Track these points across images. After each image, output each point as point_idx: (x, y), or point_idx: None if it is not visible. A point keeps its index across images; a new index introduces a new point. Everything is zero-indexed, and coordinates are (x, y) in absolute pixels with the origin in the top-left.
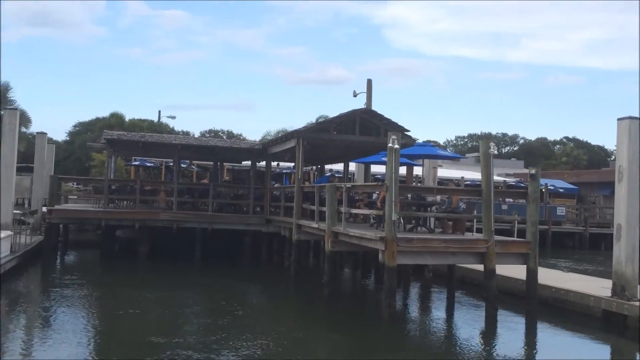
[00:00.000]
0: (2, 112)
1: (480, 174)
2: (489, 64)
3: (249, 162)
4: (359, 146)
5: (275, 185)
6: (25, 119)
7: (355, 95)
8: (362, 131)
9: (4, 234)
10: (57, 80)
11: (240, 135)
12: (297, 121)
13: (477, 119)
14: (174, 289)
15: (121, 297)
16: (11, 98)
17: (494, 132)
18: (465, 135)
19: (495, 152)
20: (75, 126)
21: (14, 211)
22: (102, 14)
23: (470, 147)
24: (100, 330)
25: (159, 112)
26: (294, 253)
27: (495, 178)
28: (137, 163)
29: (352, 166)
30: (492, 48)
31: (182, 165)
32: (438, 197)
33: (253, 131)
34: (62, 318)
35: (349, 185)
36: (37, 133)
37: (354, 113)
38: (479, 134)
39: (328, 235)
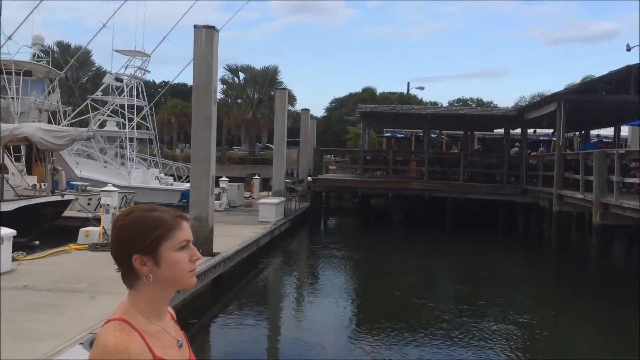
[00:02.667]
0: (273, 92)
1: None
2: None
3: (501, 130)
4: (634, 107)
5: (532, 154)
6: (291, 98)
7: (628, 50)
8: None
9: (278, 200)
10: (315, 60)
11: (491, 102)
12: (554, 86)
13: None
14: (427, 256)
15: (377, 260)
16: (280, 79)
17: None
18: None
19: None
20: (331, 102)
21: (285, 180)
22: None
23: None
24: (360, 288)
25: (408, 84)
26: (555, 225)
27: None
28: (388, 134)
29: (625, 131)
30: None
31: (431, 135)
32: None
33: (504, 99)
34: (327, 274)
35: (622, 151)
36: (302, 110)
37: (628, 69)
38: None
39: (596, 207)
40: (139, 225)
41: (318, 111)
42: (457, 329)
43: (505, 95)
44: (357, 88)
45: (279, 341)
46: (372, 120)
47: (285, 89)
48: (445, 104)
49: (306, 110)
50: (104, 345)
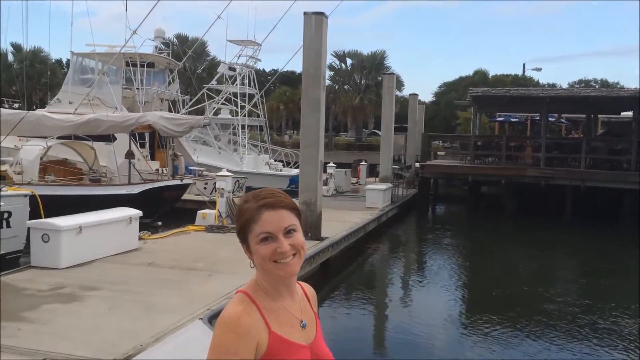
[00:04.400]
0: (380, 78)
1: None
2: None
3: (629, 113)
4: None
5: None
6: (399, 83)
7: None
8: None
9: (385, 186)
10: (424, 44)
11: (617, 83)
12: None
13: None
14: (542, 247)
15: (488, 250)
16: (387, 64)
17: None
18: None
19: None
20: (440, 87)
21: (392, 166)
22: None
23: None
24: (470, 278)
25: (524, 65)
26: None
27: None
28: (501, 119)
29: None
30: None
31: (549, 119)
32: None
33: (634, 78)
34: (435, 263)
35: None
36: (410, 95)
37: None
38: None
39: None
40: (235, 216)
41: (426, 96)
42: (581, 327)
43: (634, 74)
44: (468, 71)
45: (385, 328)
46: (484, 104)
47: (393, 74)
48: (564, 86)
49: (414, 95)
50: (222, 315)
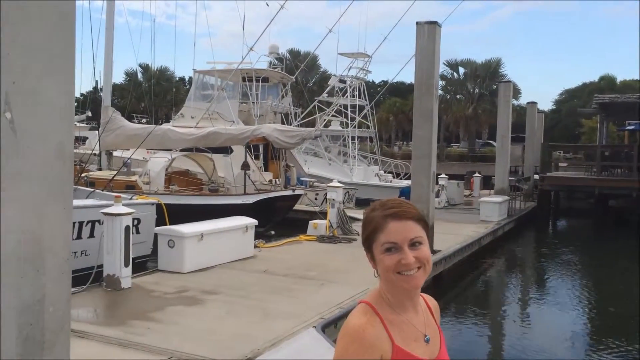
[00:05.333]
0: (495, 86)
1: None
2: None
3: None
4: None
5: None
6: (515, 91)
7: None
8: None
9: (501, 198)
10: (543, 50)
11: None
12: None
13: None
14: None
15: (614, 268)
16: (502, 72)
17: None
18: None
19: None
20: (561, 94)
21: (509, 178)
22: None
23: None
24: (593, 298)
25: None
26: None
27: None
28: (631, 127)
29: None
30: None
31: None
32: None
33: None
34: (556, 281)
35: None
36: (528, 103)
37: None
38: None
39: None
40: (362, 224)
41: (545, 104)
42: None
43: None
44: (593, 77)
45: (500, 347)
46: (611, 111)
47: (509, 81)
48: None
49: (532, 103)
50: (346, 325)
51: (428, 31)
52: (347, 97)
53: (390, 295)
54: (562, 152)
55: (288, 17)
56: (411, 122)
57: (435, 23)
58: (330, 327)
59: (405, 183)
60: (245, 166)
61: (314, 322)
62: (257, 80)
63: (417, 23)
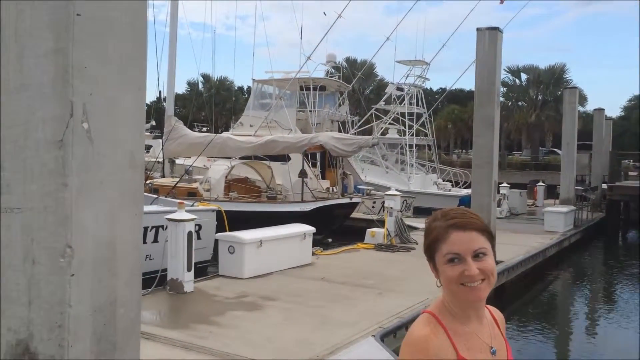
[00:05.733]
0: (559, 92)
1: None
2: None
3: None
4: None
5: None
6: (581, 97)
7: None
8: None
9: (567, 208)
10: (610, 54)
11: None
12: None
13: None
14: None
15: None
16: (567, 78)
17: None
18: None
19: None
20: (630, 100)
21: (575, 187)
22: None
23: None
24: None
25: None
26: None
27: None
28: None
29: None
30: None
31: None
32: None
33: None
34: (624, 296)
35: None
36: (595, 109)
37: None
38: None
39: None
40: (424, 233)
41: (614, 111)
42: None
43: None
44: None
45: None
46: None
47: (574, 87)
48: None
49: (600, 110)
50: (409, 336)
51: (489, 37)
52: (404, 104)
53: (454, 306)
54: (631, 160)
55: (345, 26)
56: (470, 130)
57: (496, 29)
58: (389, 337)
59: (465, 192)
60: (302, 174)
61: (372, 331)
62: (315, 89)
63: (478, 29)
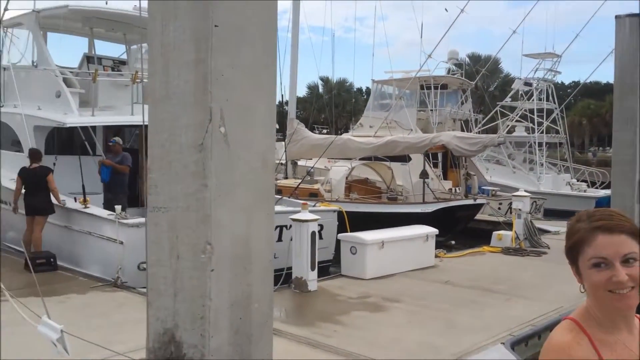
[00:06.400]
0: None
1: None
2: None
3: None
4: None
5: None
6: None
7: None
8: None
9: None
10: None
11: None
12: None
13: None
14: None
15: None
16: None
17: None
18: None
19: None
20: None
21: None
22: None
23: None
24: None
25: None
26: None
27: None
28: None
29: None
30: None
31: None
32: None
33: None
34: None
35: None
36: None
37: None
38: None
39: None
40: (566, 234)
41: None
42: None
43: None
44: None
45: None
46: None
47: None
48: None
49: None
50: (549, 342)
51: (630, 25)
52: (533, 100)
53: (599, 313)
54: None
55: (467, 21)
56: (607, 126)
57: (638, 15)
58: (521, 345)
59: (603, 192)
60: (424, 174)
61: (501, 338)
62: (436, 88)
63: (617, 16)
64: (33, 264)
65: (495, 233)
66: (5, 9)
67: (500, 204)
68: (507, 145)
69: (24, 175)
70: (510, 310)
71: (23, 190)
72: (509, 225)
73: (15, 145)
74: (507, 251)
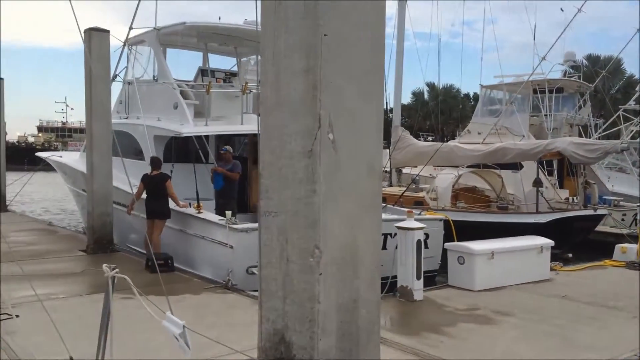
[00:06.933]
0: None
1: None
2: None
3: None
4: None
5: None
6: None
7: None
8: None
9: None
10: None
11: None
12: None
13: None
14: None
15: None
16: None
17: None
18: None
19: None
20: None
21: None
22: None
23: None
24: None
25: None
26: None
27: None
28: None
29: None
30: None
31: None
32: None
33: None
34: None
35: None
36: None
37: None
38: None
39: None
40: None
41: None
42: None
43: None
44: None
45: None
46: None
47: None
48: None
49: None
50: None
51: None
52: None
53: None
54: None
55: (584, 21)
56: None
57: None
58: None
59: None
60: (537, 183)
61: (626, 358)
62: (550, 91)
63: None
64: (153, 264)
65: (618, 246)
66: (130, 28)
67: (624, 214)
68: (632, 152)
69: (147, 181)
70: (635, 329)
71: (144, 195)
72: (634, 238)
73: (138, 153)
74: (631, 266)
